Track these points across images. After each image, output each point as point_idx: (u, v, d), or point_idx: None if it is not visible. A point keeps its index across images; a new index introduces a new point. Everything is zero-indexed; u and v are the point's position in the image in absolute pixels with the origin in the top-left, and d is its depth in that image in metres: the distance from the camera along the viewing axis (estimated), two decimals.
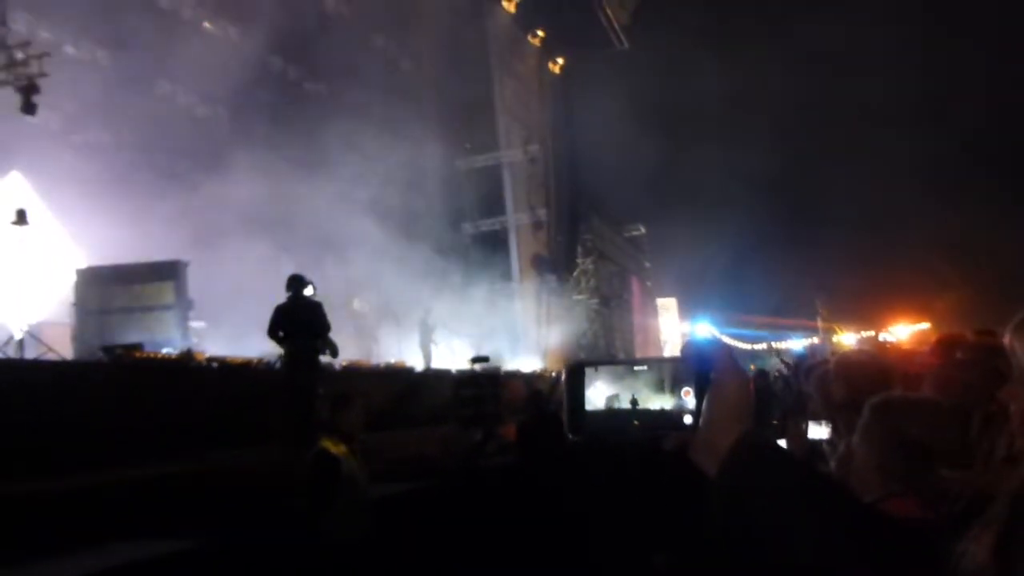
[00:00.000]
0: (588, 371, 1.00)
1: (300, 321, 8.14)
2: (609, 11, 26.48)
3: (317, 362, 8.32)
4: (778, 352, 45.28)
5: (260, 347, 11.11)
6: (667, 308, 41.08)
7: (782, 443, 2.59)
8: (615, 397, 0.99)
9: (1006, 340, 1.03)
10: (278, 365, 9.59)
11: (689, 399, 0.97)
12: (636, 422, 0.99)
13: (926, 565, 0.73)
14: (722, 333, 48.02)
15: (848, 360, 2.43)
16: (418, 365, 14.89)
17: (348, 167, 16.34)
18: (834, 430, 2.53)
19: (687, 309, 44.11)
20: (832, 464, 2.22)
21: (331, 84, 18.34)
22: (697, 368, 0.96)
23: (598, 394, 1.00)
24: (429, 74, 19.16)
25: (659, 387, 0.99)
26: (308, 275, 8.64)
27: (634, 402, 0.99)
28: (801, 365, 5.05)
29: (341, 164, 16.26)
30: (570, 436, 1.04)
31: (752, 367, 21.94)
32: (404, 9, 19.03)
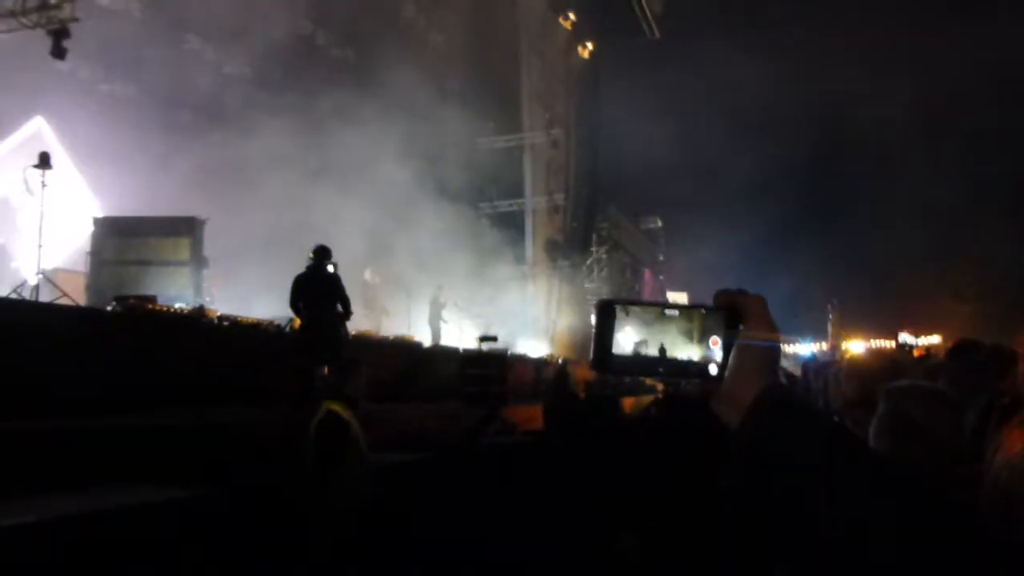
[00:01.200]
0: (618, 312, 0.98)
1: (319, 291, 8.29)
2: None
3: (337, 331, 8.43)
4: (784, 356, 45.26)
5: (270, 309, 11.20)
6: (678, 302, 41.02)
7: None
8: (643, 342, 0.98)
9: None
10: (287, 329, 9.67)
11: (717, 349, 0.96)
12: (661, 368, 0.97)
13: (956, 528, 0.72)
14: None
15: (861, 359, 2.42)
16: (426, 341, 14.92)
17: (369, 137, 16.31)
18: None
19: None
20: None
21: (359, 51, 18.29)
22: (727, 318, 0.96)
23: (626, 337, 0.98)
24: (457, 49, 19.05)
25: (688, 335, 0.98)
26: (328, 244, 8.72)
27: (662, 350, 0.97)
28: (810, 367, 5.04)
29: (362, 133, 16.23)
30: (594, 372, 1.02)
31: None
32: None
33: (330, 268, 8.62)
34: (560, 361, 17.89)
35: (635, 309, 0.99)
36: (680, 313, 1.00)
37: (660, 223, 38.30)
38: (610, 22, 26.17)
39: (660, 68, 30.62)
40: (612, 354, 0.98)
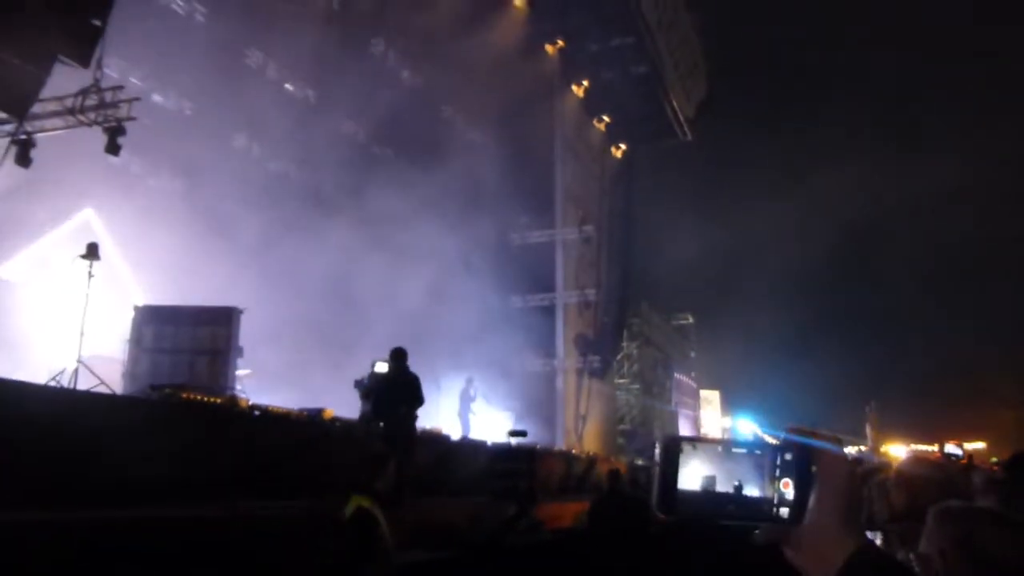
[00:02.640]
0: (685, 447, 0.95)
1: (401, 391, 9.09)
2: (675, 103, 26.94)
3: (415, 430, 9.42)
4: None
5: (295, 397, 11.25)
6: (709, 400, 40.34)
7: None
8: (712, 479, 0.93)
9: None
10: (317, 419, 9.69)
11: (789, 491, 0.92)
12: (732, 507, 0.92)
13: None
14: (764, 432, 46.94)
15: (911, 468, 2.36)
16: (455, 434, 14.79)
17: (405, 230, 16.68)
18: (885, 541, 2.44)
19: (730, 403, 43.28)
20: None
21: (398, 148, 18.91)
22: (797, 460, 0.92)
23: (693, 473, 0.93)
24: (494, 146, 19.60)
25: (758, 472, 0.94)
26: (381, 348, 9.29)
27: (738, 487, 0.93)
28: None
29: (399, 226, 16.61)
30: (660, 515, 0.98)
31: None
32: (477, 84, 19.65)
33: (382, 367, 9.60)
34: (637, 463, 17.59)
35: (702, 444, 0.96)
36: (748, 450, 0.96)
37: (691, 319, 38.14)
38: (643, 125, 26.86)
39: (693, 167, 31.18)
40: (679, 490, 0.94)
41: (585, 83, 24.24)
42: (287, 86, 16.87)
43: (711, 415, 40.45)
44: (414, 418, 9.29)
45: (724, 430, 43.07)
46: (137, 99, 11.36)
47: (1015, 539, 1.39)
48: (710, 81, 29.68)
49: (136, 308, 12.51)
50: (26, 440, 5.67)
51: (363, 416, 9.99)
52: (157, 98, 14.48)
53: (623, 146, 27.44)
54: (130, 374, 11.37)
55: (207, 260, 13.96)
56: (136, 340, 11.78)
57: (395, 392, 9.14)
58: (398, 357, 9.32)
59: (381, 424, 9.12)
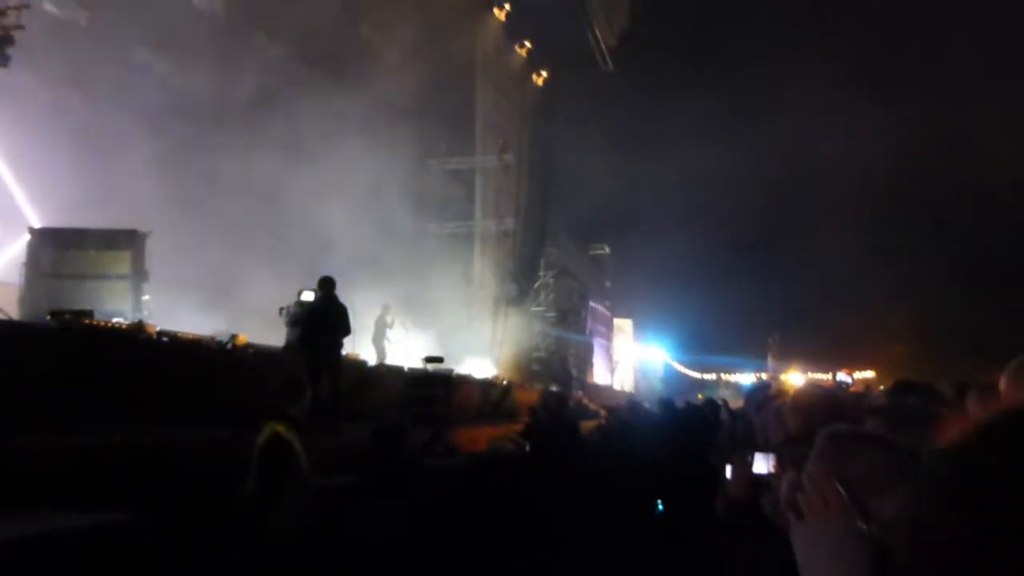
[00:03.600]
0: None
1: (330, 320, 9.14)
2: (598, 31, 26.71)
3: (340, 358, 9.50)
4: (726, 384, 46.04)
5: (209, 324, 11.00)
6: (623, 329, 41.44)
7: (735, 472, 2.64)
8: None
9: (1001, 382, 1.07)
10: (229, 346, 9.53)
11: None
12: None
13: None
14: (674, 360, 48.66)
15: (805, 395, 2.50)
16: (371, 360, 14.80)
17: (319, 152, 16.22)
18: (778, 463, 2.58)
19: (642, 332, 44.59)
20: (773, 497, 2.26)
21: (311, 65, 18.21)
22: None
23: None
24: (412, 69, 19.11)
25: None
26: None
27: None
28: (752, 398, 5.15)
29: (312, 148, 16.14)
30: None
31: (700, 396, 22.22)
32: (396, 4, 19.00)
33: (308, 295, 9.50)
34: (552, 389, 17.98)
35: None
36: None
37: (607, 250, 38.74)
38: (564, 53, 26.57)
39: (613, 98, 31.15)
40: None
41: (506, 6, 23.69)
42: None
43: (624, 343, 41.61)
44: (340, 346, 9.32)
45: (635, 357, 44.48)
46: (26, 7, 10.55)
47: (887, 459, 1.50)
48: (634, 10, 29.49)
49: (32, 231, 11.89)
50: None
51: (289, 344, 9.88)
52: (50, 7, 13.45)
53: (544, 74, 27.14)
54: (27, 300, 10.87)
55: (108, 180, 13.32)
56: (33, 264, 11.22)
57: (322, 320, 9.12)
58: (326, 285, 9.30)
59: (306, 352, 9.06)
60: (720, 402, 11.89)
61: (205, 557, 4.74)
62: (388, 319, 16.41)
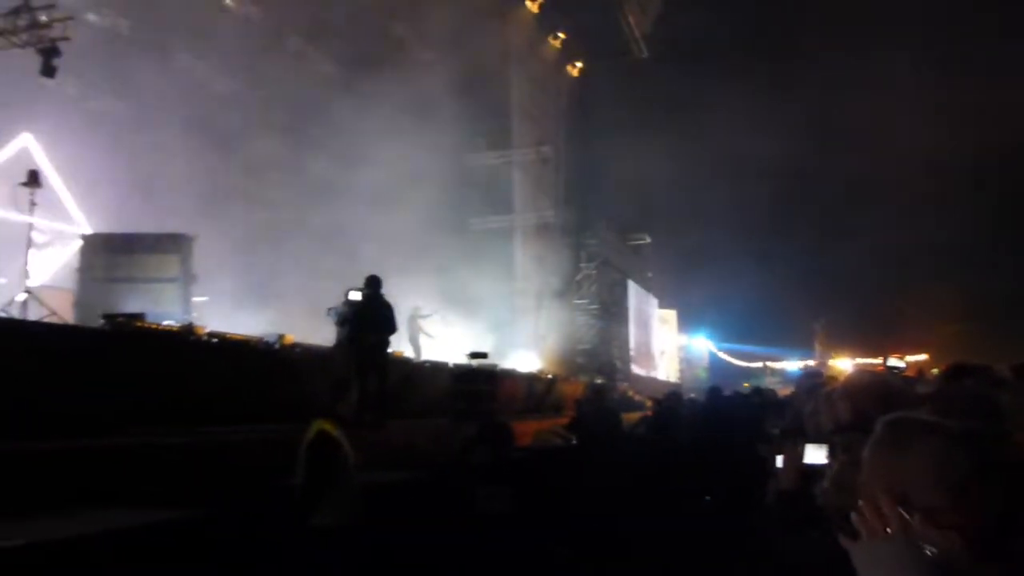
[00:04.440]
0: None
1: (376, 318, 9.21)
2: (631, 18, 26.47)
3: (387, 356, 9.58)
4: (773, 372, 45.40)
5: (254, 324, 11.18)
6: (666, 319, 41.09)
7: (785, 462, 2.60)
8: None
9: None
10: (277, 346, 9.68)
11: None
12: None
13: None
14: (719, 349, 48.14)
15: (855, 381, 2.44)
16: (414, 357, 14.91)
17: (359, 154, 16.35)
18: (830, 451, 2.54)
19: (686, 322, 44.18)
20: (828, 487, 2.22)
21: (347, 68, 18.36)
22: None
23: None
24: (446, 66, 19.14)
25: None
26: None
27: None
28: (801, 386, 5.05)
29: (351, 149, 16.27)
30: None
31: (746, 385, 21.96)
32: (427, 1, 19.05)
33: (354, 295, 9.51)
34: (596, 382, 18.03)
35: None
36: None
37: (648, 239, 38.38)
38: (598, 42, 26.38)
39: (651, 87, 30.80)
40: None
41: None
42: (228, 2, 16.13)
43: (668, 333, 41.27)
44: (387, 344, 9.42)
45: (680, 347, 44.11)
46: (70, 18, 10.80)
47: (947, 449, 1.44)
48: None
49: (84, 237, 12.20)
50: None
51: (338, 343, 10.01)
52: (91, 17, 13.76)
53: (579, 64, 27.01)
54: (81, 304, 11.16)
55: (155, 185, 13.61)
56: (86, 269, 11.53)
57: (369, 319, 9.23)
58: (372, 284, 9.40)
59: (354, 351, 9.19)
60: (764, 391, 11.75)
61: (256, 552, 4.82)
62: (420, 319, 16.57)
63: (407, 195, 16.91)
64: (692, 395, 17.98)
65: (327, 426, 4.77)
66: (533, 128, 24.39)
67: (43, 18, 10.54)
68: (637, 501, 5.82)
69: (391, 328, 9.44)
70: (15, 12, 10.26)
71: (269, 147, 14.93)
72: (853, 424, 2.19)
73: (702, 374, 44.70)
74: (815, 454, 2.47)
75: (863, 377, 2.68)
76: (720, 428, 8.05)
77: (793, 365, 44.21)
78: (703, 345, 47.44)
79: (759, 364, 48.26)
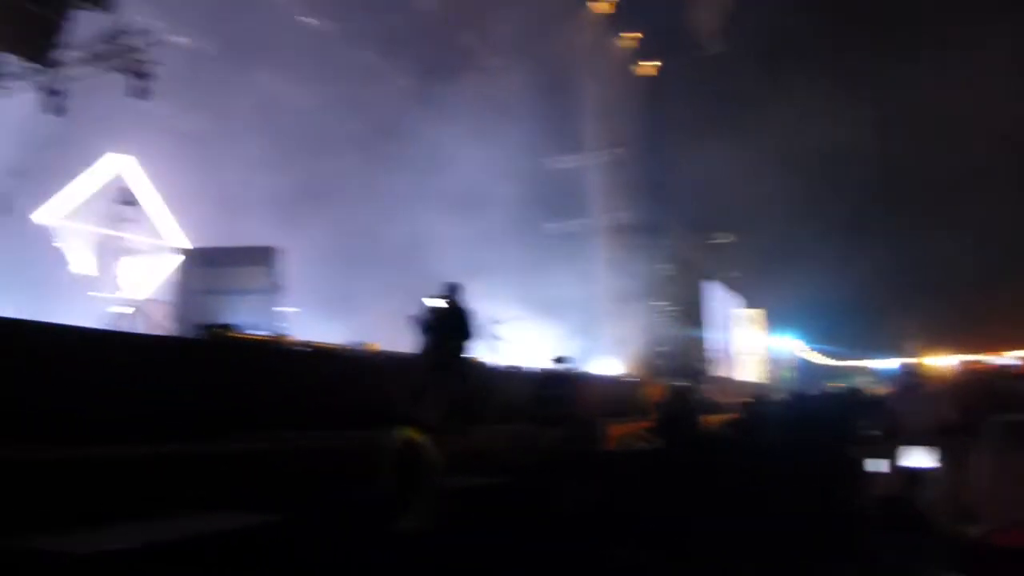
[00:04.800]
0: None
1: (457, 326, 9.35)
2: (705, 13, 26.01)
3: (468, 362, 9.64)
4: (864, 371, 43.76)
5: (340, 332, 11.43)
6: (750, 319, 40.15)
7: (882, 465, 2.49)
8: None
9: None
10: (362, 353, 9.88)
11: None
12: None
13: None
14: (807, 348, 46.74)
15: (961, 380, 2.32)
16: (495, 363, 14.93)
17: (435, 163, 16.57)
18: (936, 455, 2.41)
19: (772, 321, 43.04)
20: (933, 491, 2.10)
21: (423, 79, 18.62)
22: None
23: None
24: (518, 73, 19.21)
25: None
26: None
27: None
28: (898, 384, 4.85)
29: (429, 160, 16.50)
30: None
31: (838, 385, 21.25)
32: (498, 7, 19.15)
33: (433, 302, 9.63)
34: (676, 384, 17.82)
35: None
36: None
37: (732, 238, 37.51)
38: (673, 38, 26.02)
39: (727, 81, 30.14)
40: None
41: None
42: (306, 19, 16.60)
43: (753, 334, 40.31)
44: (467, 350, 9.51)
45: (767, 348, 43.01)
46: (160, 42, 11.28)
47: None
48: None
49: (181, 251, 12.73)
50: (83, 381, 5.86)
51: (422, 350, 10.12)
52: (179, 39, 14.37)
53: (651, 62, 26.69)
54: (180, 315, 11.65)
55: (242, 199, 14.07)
56: (183, 282, 12.03)
57: (449, 326, 9.36)
58: (452, 291, 9.55)
59: (435, 357, 9.30)
60: (855, 390, 11.35)
61: (342, 556, 4.91)
62: (498, 320, 16.61)
63: (483, 202, 17.02)
64: (780, 396, 17.52)
65: (411, 432, 4.82)
66: (607, 130, 24.22)
67: (136, 43, 11.03)
68: (724, 503, 5.69)
69: (471, 334, 9.50)
70: (110, 39, 10.76)
71: (348, 159, 15.27)
72: (960, 426, 2.08)
73: (790, 374, 43.47)
74: (916, 457, 2.36)
75: (970, 376, 2.54)
76: (809, 429, 7.82)
77: (885, 363, 42.51)
78: (791, 345, 46.17)
79: (850, 363, 46.60)
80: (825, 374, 43.11)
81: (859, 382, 30.29)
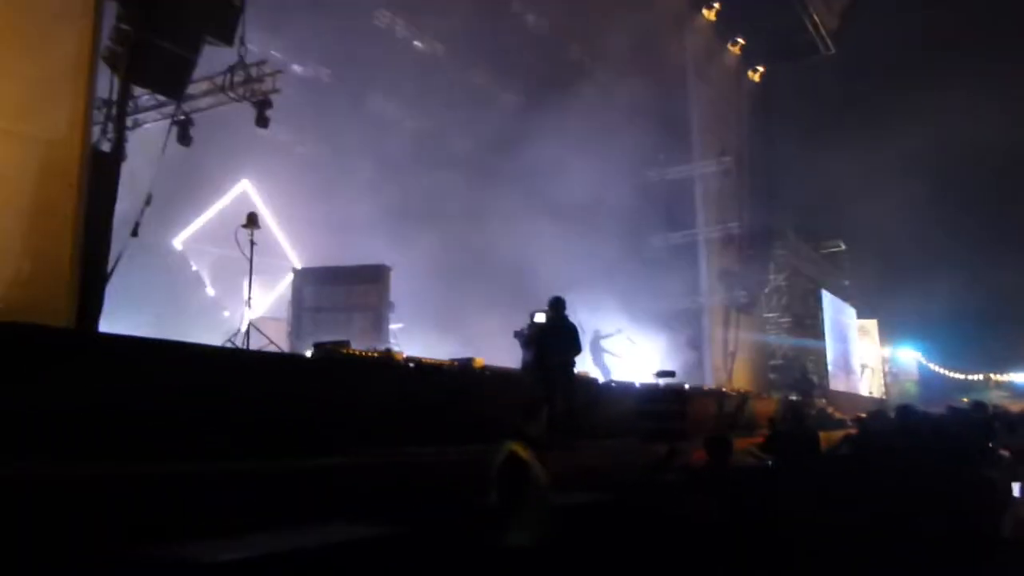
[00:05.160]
0: None
1: (562, 341, 9.38)
2: (815, 15, 25.21)
3: (574, 377, 9.66)
4: (998, 384, 41.02)
5: (446, 347, 11.66)
6: (866, 330, 38.41)
7: (1016, 489, 2.37)
8: None
9: None
10: (469, 369, 10.04)
11: None
12: None
13: None
14: (929, 360, 44.23)
15: None
16: (600, 378, 14.91)
17: (540, 178, 16.70)
18: None
19: (889, 331, 40.99)
20: None
21: (527, 95, 18.84)
22: None
23: None
24: (625, 85, 19.16)
25: None
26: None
27: None
28: None
29: (533, 175, 16.66)
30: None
31: (965, 400, 20.02)
32: (601, 19, 19.18)
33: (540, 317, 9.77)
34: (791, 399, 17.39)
35: None
36: None
37: (843, 246, 36.11)
38: (781, 43, 25.35)
39: (839, 85, 29.11)
40: None
41: (716, 5, 23.06)
42: (416, 43, 17.12)
43: (870, 345, 38.55)
44: (572, 365, 9.50)
45: (884, 360, 40.99)
46: (279, 72, 11.86)
47: None
48: None
49: (295, 271, 13.32)
50: (208, 398, 6.22)
51: (525, 365, 10.23)
52: (297, 68, 15.08)
53: (760, 68, 26.07)
54: (294, 333, 12.18)
55: (355, 220, 14.62)
56: (297, 301, 12.59)
57: (554, 340, 9.37)
58: (556, 306, 9.55)
59: (540, 372, 9.35)
60: (989, 406, 10.68)
61: (453, 570, 5.02)
62: (607, 333, 16.54)
63: (590, 216, 17.06)
64: (902, 410, 16.66)
65: (517, 448, 4.89)
66: (714, 139, 23.79)
67: (255, 73, 11.65)
68: (850, 527, 5.49)
69: (576, 349, 9.50)
70: (231, 70, 11.40)
71: (455, 177, 15.63)
72: None
73: (912, 388, 41.29)
74: None
75: None
76: (939, 448, 7.41)
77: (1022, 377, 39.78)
78: (911, 356, 43.83)
79: (979, 376, 43.77)
80: (952, 387, 40.69)
81: (993, 397, 28.48)
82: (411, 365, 9.33)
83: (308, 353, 9.06)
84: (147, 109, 11.23)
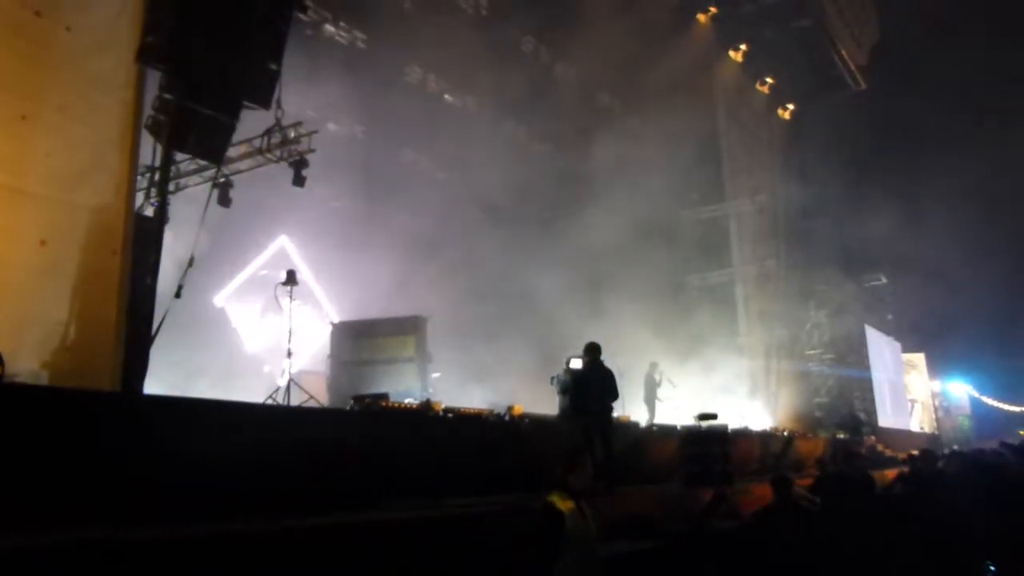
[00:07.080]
0: None
1: (599, 385, 9.26)
2: (844, 52, 25.26)
3: (612, 423, 9.51)
4: None
5: (484, 396, 11.65)
6: (914, 364, 37.51)
7: None
8: None
9: None
10: (507, 418, 10.01)
11: None
12: None
13: None
14: (981, 393, 42.93)
15: None
16: (642, 421, 14.74)
17: (573, 224, 16.80)
18: None
19: (938, 365, 39.96)
20: None
21: (559, 145, 19.06)
22: None
23: None
24: (655, 128, 19.31)
25: None
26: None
27: None
28: None
29: (567, 221, 16.75)
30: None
31: (1022, 433, 19.36)
32: (631, 65, 19.43)
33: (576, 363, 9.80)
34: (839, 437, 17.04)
35: None
36: None
37: (885, 279, 35.48)
38: (811, 81, 25.40)
39: (871, 119, 28.94)
40: None
41: (743, 47, 23.25)
42: (447, 96, 17.47)
43: (917, 380, 37.61)
44: (610, 411, 9.40)
45: (934, 394, 39.89)
46: (315, 132, 12.16)
47: None
48: (883, 21, 27.54)
49: (333, 325, 13.46)
50: (249, 453, 6.26)
51: (562, 412, 10.17)
52: (332, 126, 15.45)
53: (790, 106, 26.09)
54: (333, 386, 12.27)
55: (391, 272, 14.79)
56: (336, 355, 12.70)
57: (591, 386, 9.29)
58: (592, 351, 9.46)
59: (578, 418, 9.28)
60: None
61: None
62: (656, 376, 16.33)
63: (624, 259, 17.07)
64: (955, 447, 16.22)
65: (555, 499, 4.85)
66: (747, 178, 23.76)
67: (292, 135, 11.96)
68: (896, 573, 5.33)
69: (613, 395, 9.39)
70: (268, 132, 11.72)
71: (488, 227, 15.77)
72: None
73: (965, 423, 40.10)
74: None
75: None
76: (998, 487, 7.16)
77: None
78: (961, 389, 42.61)
79: None
80: (1008, 420, 39.40)
81: None
82: (450, 415, 9.33)
83: (347, 406, 9.11)
84: (189, 173, 11.54)
